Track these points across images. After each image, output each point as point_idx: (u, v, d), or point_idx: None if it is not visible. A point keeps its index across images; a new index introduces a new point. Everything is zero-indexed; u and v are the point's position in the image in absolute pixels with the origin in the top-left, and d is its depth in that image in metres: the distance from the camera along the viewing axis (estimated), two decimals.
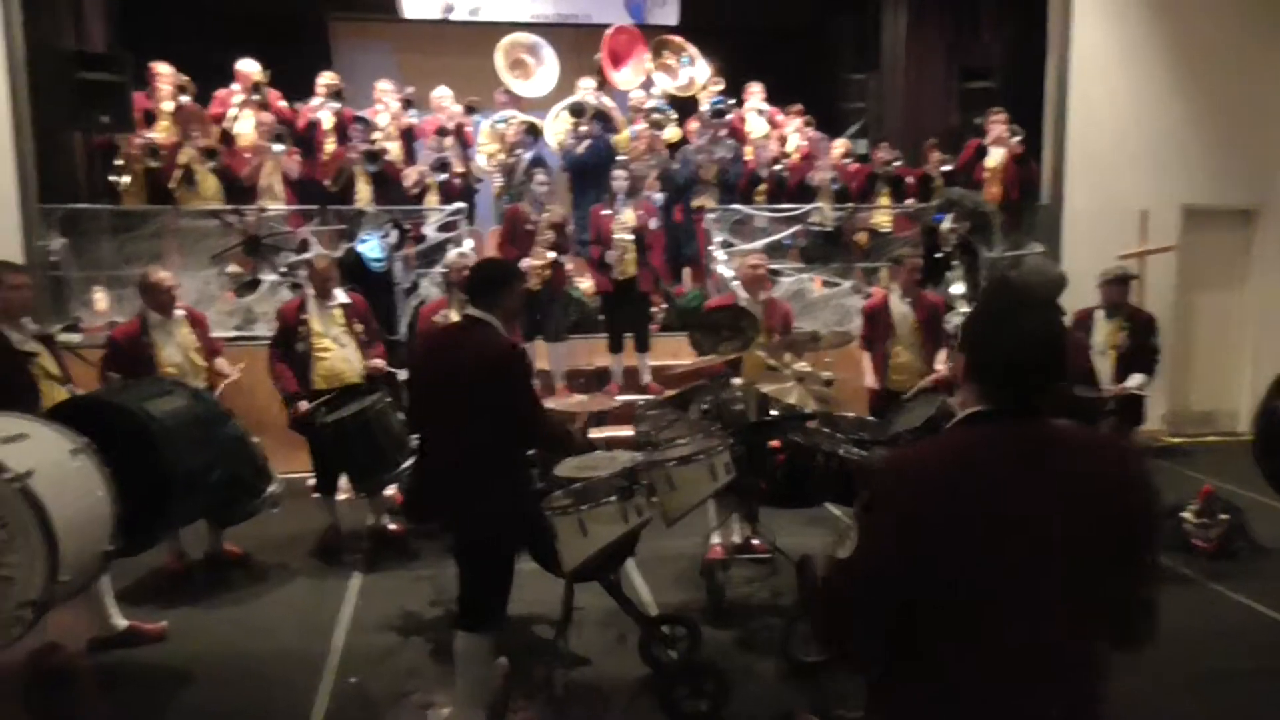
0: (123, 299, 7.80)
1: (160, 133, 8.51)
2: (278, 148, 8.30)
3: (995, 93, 9.24)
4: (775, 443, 4.64)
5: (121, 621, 4.72)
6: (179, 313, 5.65)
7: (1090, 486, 1.81)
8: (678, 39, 10.37)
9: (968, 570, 1.74)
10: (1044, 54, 9.00)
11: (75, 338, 7.40)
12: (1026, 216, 9.02)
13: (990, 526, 1.75)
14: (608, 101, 9.86)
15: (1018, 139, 8.73)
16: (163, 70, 8.78)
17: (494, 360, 3.62)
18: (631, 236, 7.72)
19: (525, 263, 7.52)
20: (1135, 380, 5.96)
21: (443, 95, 9.53)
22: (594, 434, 5.34)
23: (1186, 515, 5.94)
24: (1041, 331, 1.83)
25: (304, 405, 5.78)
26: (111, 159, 8.22)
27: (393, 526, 6.17)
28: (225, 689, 4.35)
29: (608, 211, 7.81)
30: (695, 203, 9.07)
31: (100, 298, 7.97)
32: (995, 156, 8.86)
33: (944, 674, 1.78)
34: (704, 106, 9.83)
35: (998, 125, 8.76)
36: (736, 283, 6.19)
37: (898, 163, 9.41)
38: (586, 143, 9.01)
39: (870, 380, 6.25)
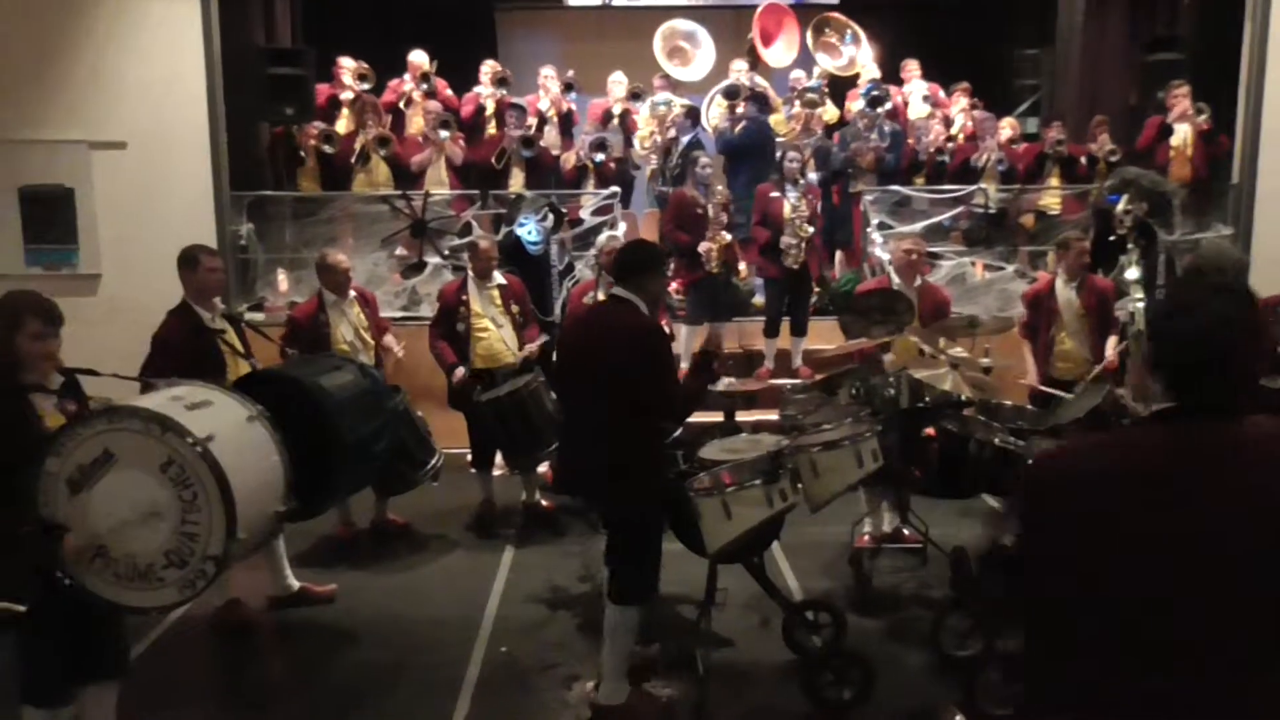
0: (301, 280, 8.29)
1: (341, 120, 9.00)
2: (444, 134, 8.62)
3: (1182, 65, 8.62)
4: (930, 431, 4.51)
5: (294, 583, 5.06)
6: (351, 293, 5.97)
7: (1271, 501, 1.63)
8: (840, 16, 10.15)
9: (1118, 573, 1.65)
10: (1239, 21, 8.33)
11: (259, 316, 7.95)
12: (1214, 197, 8.40)
13: (1146, 531, 1.64)
14: (760, 82, 9.76)
15: (1204, 116, 8.13)
16: (346, 64, 9.27)
17: (632, 337, 3.71)
18: (811, 228, 7.63)
19: (704, 246, 7.54)
20: None
21: (618, 80, 9.64)
22: (741, 417, 5.32)
23: None
24: (1219, 323, 1.68)
25: (461, 371, 6.02)
26: (290, 147, 8.73)
27: (544, 503, 6.35)
28: (387, 649, 4.60)
29: (776, 194, 7.72)
30: (853, 190, 8.88)
31: (282, 279, 8.51)
32: (1180, 134, 8.28)
33: (1107, 675, 1.68)
34: (862, 90, 9.57)
35: (1182, 100, 8.17)
36: (892, 267, 6.03)
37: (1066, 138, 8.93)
38: (741, 124, 8.95)
39: (1031, 376, 5.98)
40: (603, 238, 6.50)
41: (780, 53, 9.94)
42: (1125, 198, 7.12)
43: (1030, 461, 1.81)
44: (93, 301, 7.76)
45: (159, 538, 2.91)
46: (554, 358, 6.03)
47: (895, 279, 5.81)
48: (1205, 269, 3.80)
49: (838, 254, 9.26)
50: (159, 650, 4.62)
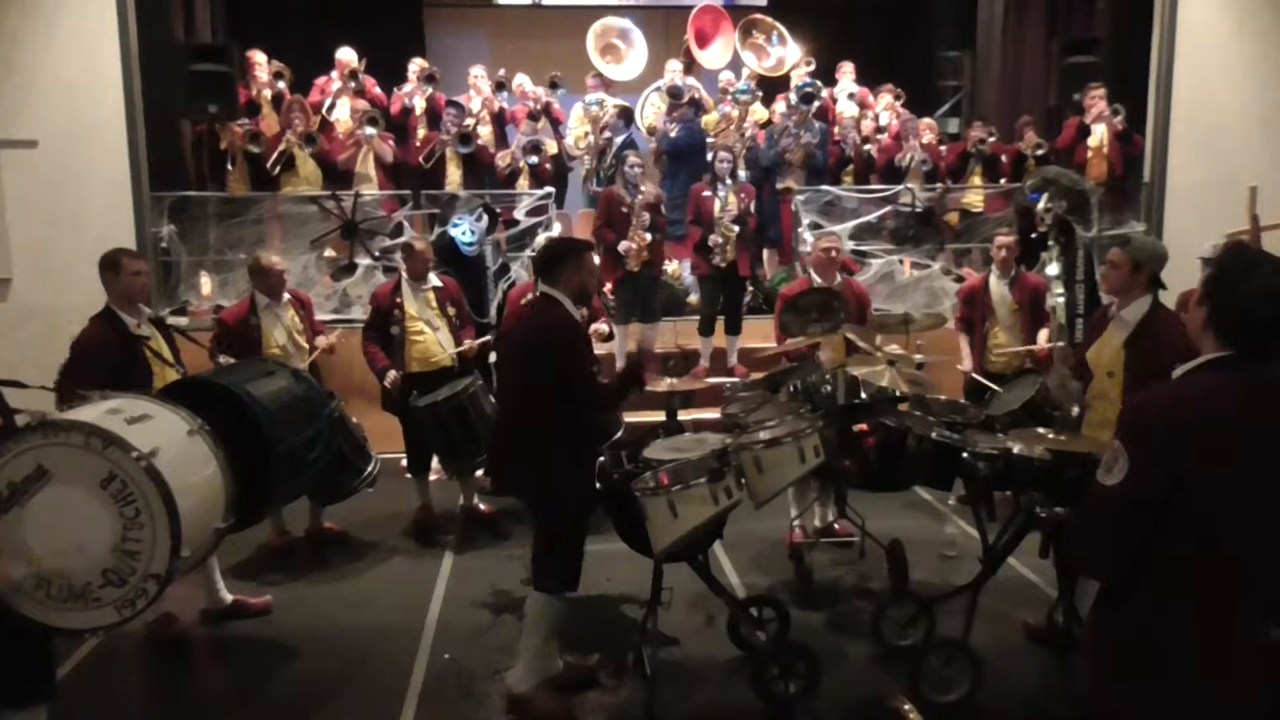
0: (226, 283, 8.09)
1: (263, 121, 8.79)
2: (370, 130, 8.48)
3: (1098, 67, 8.90)
4: (862, 426, 4.60)
5: (228, 595, 4.94)
6: (286, 296, 5.83)
7: None
8: (767, 18, 10.25)
9: (1212, 495, 2.03)
10: (1150, 24, 8.65)
11: (182, 320, 7.72)
12: (1129, 195, 8.71)
13: (1232, 458, 2.03)
14: (694, 83, 9.82)
15: (1119, 116, 8.43)
16: (258, 59, 9.03)
17: (547, 333, 3.83)
18: (738, 226, 7.69)
19: (624, 245, 7.54)
20: None
21: (521, 82, 9.58)
22: (682, 415, 5.33)
23: None
24: (1276, 287, 2.08)
25: (394, 375, 5.92)
26: (214, 146, 8.50)
27: (483, 507, 6.29)
28: (327, 661, 4.51)
29: (708, 193, 7.77)
30: (780, 186, 8.99)
31: (205, 282, 8.28)
32: (1097, 134, 8.57)
33: (1185, 591, 2.06)
34: (795, 85, 9.67)
35: (1098, 101, 8.46)
36: (811, 267, 6.11)
37: (991, 138, 9.16)
38: (677, 125, 8.97)
39: (966, 362, 6.16)
40: (541, 239, 6.46)
41: (716, 54, 9.99)
42: (1046, 196, 7.36)
43: (1136, 402, 2.23)
44: (1, 308, 7.47)
45: (97, 556, 2.80)
46: (492, 360, 6.04)
47: (815, 279, 5.88)
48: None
49: (765, 252, 9.34)
50: (88, 669, 4.46)
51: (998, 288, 6.10)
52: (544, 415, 3.83)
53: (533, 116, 9.16)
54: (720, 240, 7.65)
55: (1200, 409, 2.07)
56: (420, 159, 8.56)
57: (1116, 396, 4.06)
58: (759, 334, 7.76)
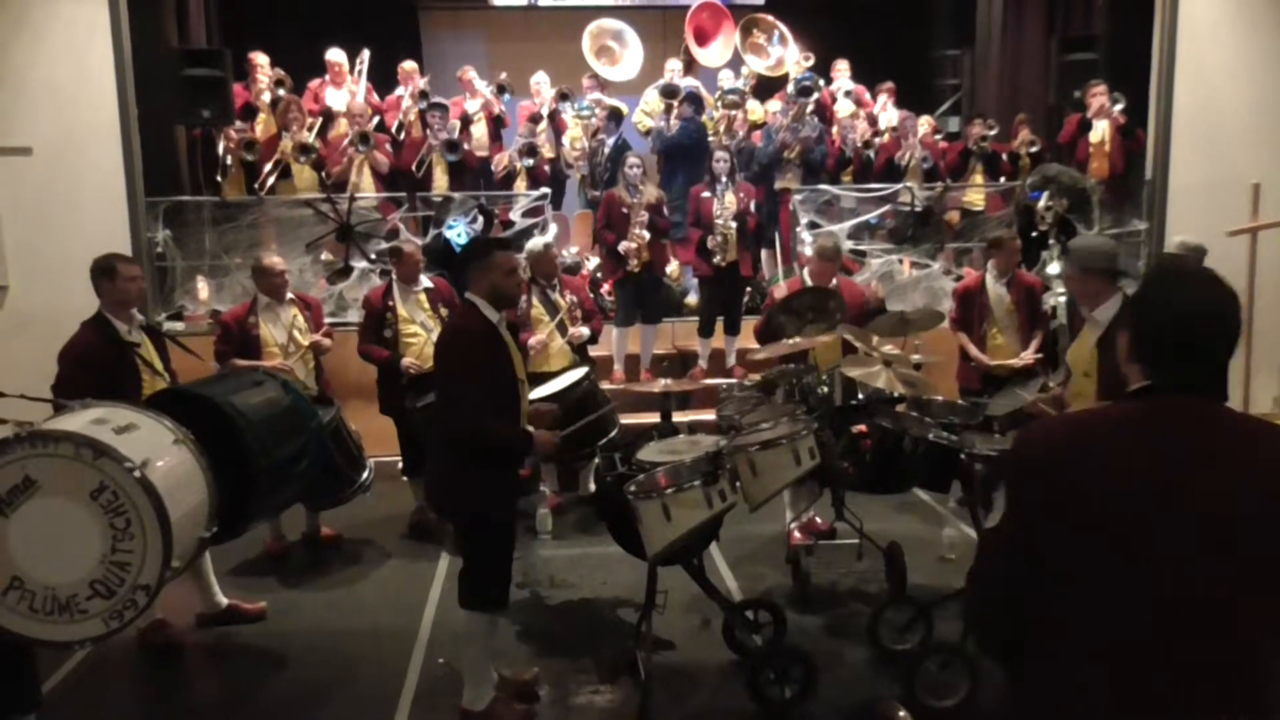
0: (222, 288, 8.07)
1: (260, 125, 8.76)
2: (364, 147, 8.42)
3: (1097, 64, 8.85)
4: (861, 428, 4.56)
5: (223, 599, 4.92)
6: (290, 296, 5.83)
7: (1258, 473, 1.67)
8: (767, 17, 10.20)
9: (1098, 539, 1.66)
10: (1151, 21, 8.60)
11: (178, 325, 7.70)
12: (1131, 193, 8.66)
13: (1120, 500, 1.65)
14: (693, 82, 9.78)
15: (1120, 107, 8.37)
16: (260, 61, 9.00)
17: (446, 336, 3.86)
18: (735, 224, 7.65)
19: (623, 246, 7.50)
20: None
21: (540, 82, 9.54)
22: (677, 417, 5.30)
23: None
24: (1203, 308, 1.72)
25: (408, 361, 5.89)
26: (209, 151, 8.46)
27: None
28: (321, 665, 4.49)
29: (708, 194, 7.72)
30: (779, 185, 8.94)
31: (202, 287, 8.25)
32: (1099, 130, 8.52)
33: (1069, 652, 1.69)
34: (793, 78, 9.61)
35: (1098, 97, 8.42)
36: (806, 268, 6.07)
37: (993, 131, 9.11)
38: (677, 124, 8.93)
39: (980, 359, 6.06)
40: (531, 243, 6.40)
41: (717, 52, 9.93)
42: (1046, 194, 7.31)
43: (1018, 435, 1.87)
44: None
45: (84, 568, 2.76)
46: None
47: (808, 280, 5.85)
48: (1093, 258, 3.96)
49: (763, 253, 9.29)
50: (80, 676, 4.44)
51: (994, 288, 6.04)
52: (448, 426, 3.77)
53: (533, 119, 9.13)
54: (720, 239, 7.60)
55: (1073, 446, 1.73)
56: (412, 167, 8.52)
57: (1091, 396, 4.02)
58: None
